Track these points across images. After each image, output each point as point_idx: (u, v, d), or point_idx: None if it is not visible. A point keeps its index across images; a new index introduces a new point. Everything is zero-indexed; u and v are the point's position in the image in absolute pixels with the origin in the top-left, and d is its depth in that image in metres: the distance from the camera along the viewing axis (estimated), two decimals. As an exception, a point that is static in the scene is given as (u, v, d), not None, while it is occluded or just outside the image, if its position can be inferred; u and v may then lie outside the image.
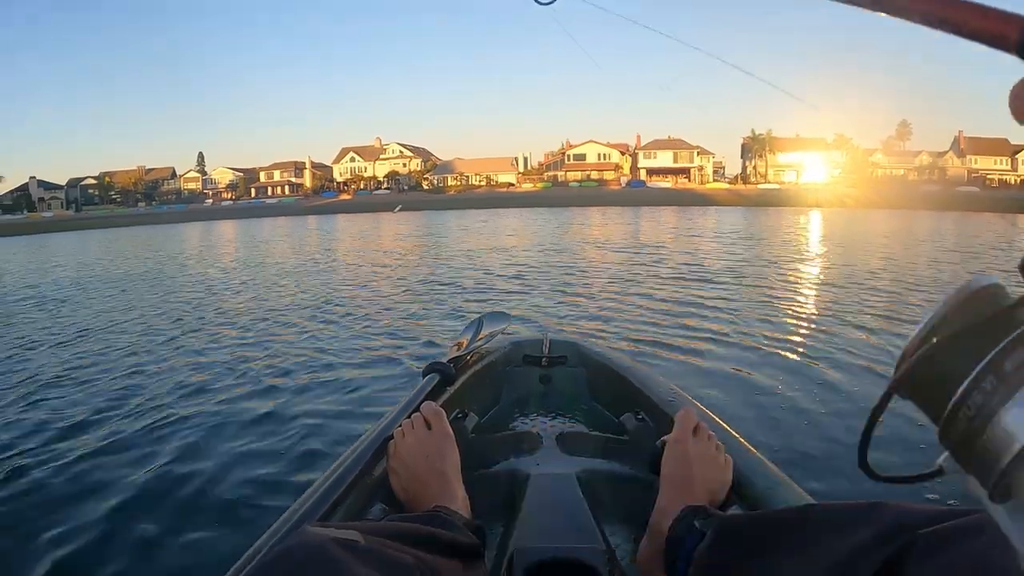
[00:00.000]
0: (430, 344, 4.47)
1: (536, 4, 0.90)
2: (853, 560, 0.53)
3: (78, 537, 2.05)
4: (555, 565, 0.85)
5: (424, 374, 1.41)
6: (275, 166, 72.08)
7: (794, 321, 4.99)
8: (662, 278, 7.67)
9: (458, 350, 1.60)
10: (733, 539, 0.74)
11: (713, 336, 4.46)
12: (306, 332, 5.14)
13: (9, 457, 2.72)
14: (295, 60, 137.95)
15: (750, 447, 1.13)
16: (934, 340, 0.24)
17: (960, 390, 0.23)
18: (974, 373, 0.23)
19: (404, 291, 7.28)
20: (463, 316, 5.28)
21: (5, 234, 36.83)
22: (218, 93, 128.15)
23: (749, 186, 56.85)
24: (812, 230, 18.08)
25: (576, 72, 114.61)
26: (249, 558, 0.76)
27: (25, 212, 62.80)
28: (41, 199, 68.35)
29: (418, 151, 70.91)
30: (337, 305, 6.47)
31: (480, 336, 1.70)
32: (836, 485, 2.15)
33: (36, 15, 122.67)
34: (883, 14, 0.29)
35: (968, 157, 55.77)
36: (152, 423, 3.08)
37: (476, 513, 0.96)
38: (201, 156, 75.23)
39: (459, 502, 0.95)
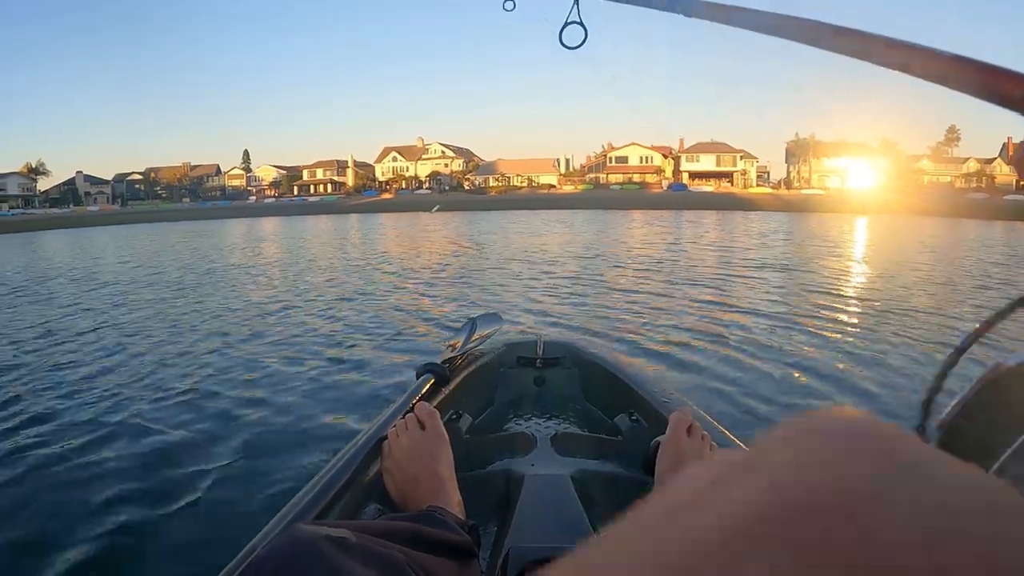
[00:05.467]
0: (431, 344, 4.49)
1: (564, 48, 0.93)
2: None
3: (66, 535, 2.08)
4: (549, 565, 1.01)
5: (418, 375, 1.41)
6: (318, 164, 72.84)
7: (801, 327, 4.95)
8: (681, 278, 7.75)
9: (452, 351, 1.59)
10: None
11: (716, 338, 4.51)
12: (305, 330, 5.21)
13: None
14: (339, 60, 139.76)
15: (745, 448, 1.22)
16: (968, 415, 0.24)
17: (996, 466, 0.23)
18: (1011, 450, 0.23)
19: (415, 291, 7.41)
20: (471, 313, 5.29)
21: (49, 227, 37.02)
22: (264, 92, 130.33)
23: (792, 191, 56.65)
24: (846, 238, 17.69)
25: (622, 76, 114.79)
26: (243, 558, 0.78)
27: (71, 206, 63.94)
28: (87, 193, 69.82)
29: (460, 151, 71.19)
30: (338, 305, 6.55)
31: (474, 337, 1.68)
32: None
33: (89, 14, 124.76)
34: (889, 69, 0.29)
35: (1018, 164, 55.33)
36: (138, 418, 3.11)
37: (471, 513, 0.94)
38: (246, 153, 76.74)
39: (453, 502, 0.94)
